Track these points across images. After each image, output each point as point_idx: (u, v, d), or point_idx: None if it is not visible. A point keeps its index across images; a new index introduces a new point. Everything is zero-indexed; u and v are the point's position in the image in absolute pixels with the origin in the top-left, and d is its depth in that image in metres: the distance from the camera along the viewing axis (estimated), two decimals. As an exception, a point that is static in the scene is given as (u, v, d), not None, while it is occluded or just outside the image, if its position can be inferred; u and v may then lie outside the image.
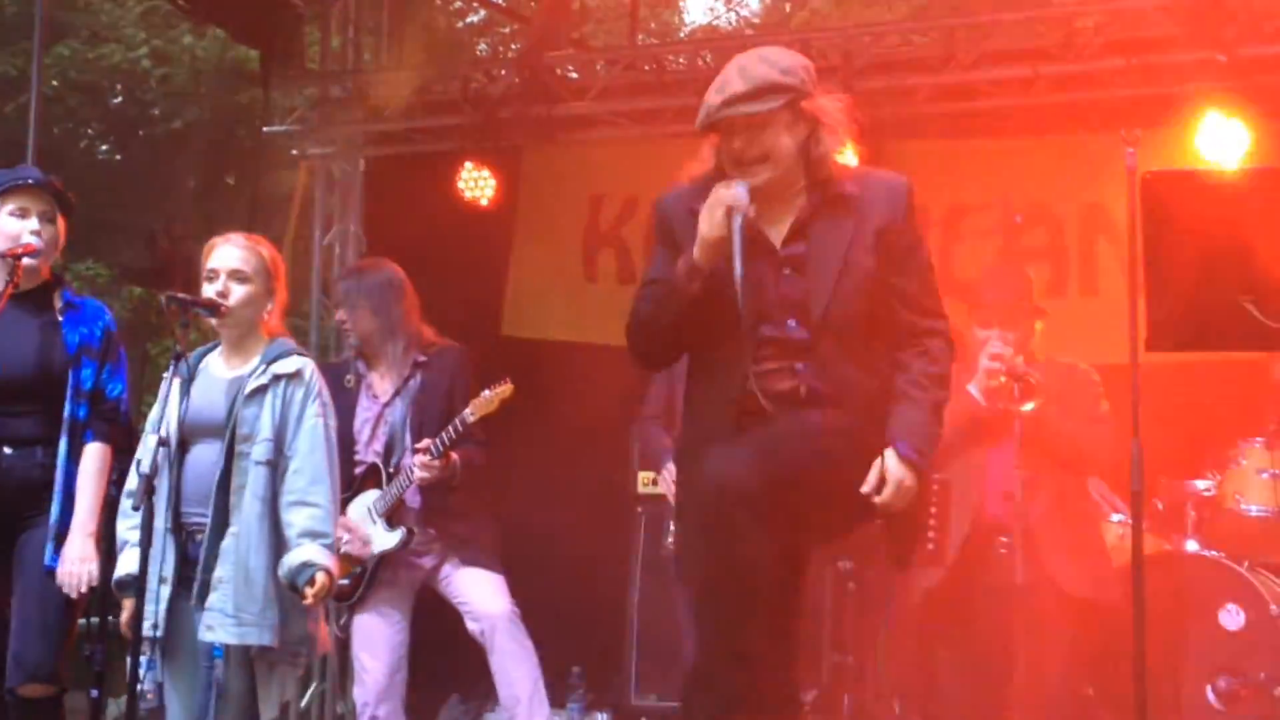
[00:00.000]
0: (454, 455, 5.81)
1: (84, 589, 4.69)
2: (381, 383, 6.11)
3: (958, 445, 5.44)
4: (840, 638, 6.13)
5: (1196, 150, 6.70)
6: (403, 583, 6.06)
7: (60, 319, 4.88)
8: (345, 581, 5.83)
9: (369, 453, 6.06)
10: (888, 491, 3.66)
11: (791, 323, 3.75)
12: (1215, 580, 5.80)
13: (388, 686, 5.99)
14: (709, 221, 3.68)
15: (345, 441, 5.61)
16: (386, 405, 6.07)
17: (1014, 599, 5.29)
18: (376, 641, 6.01)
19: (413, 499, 5.95)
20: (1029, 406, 5.36)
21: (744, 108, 3.73)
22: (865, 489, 3.66)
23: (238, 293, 4.61)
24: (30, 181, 4.94)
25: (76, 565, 4.68)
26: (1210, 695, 5.68)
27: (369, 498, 5.99)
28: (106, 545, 4.67)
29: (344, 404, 5.76)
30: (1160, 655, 5.33)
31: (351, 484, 5.91)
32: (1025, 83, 7.46)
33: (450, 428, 5.79)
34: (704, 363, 3.90)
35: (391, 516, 5.93)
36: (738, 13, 21.95)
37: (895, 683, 6.02)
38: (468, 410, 5.76)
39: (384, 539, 5.94)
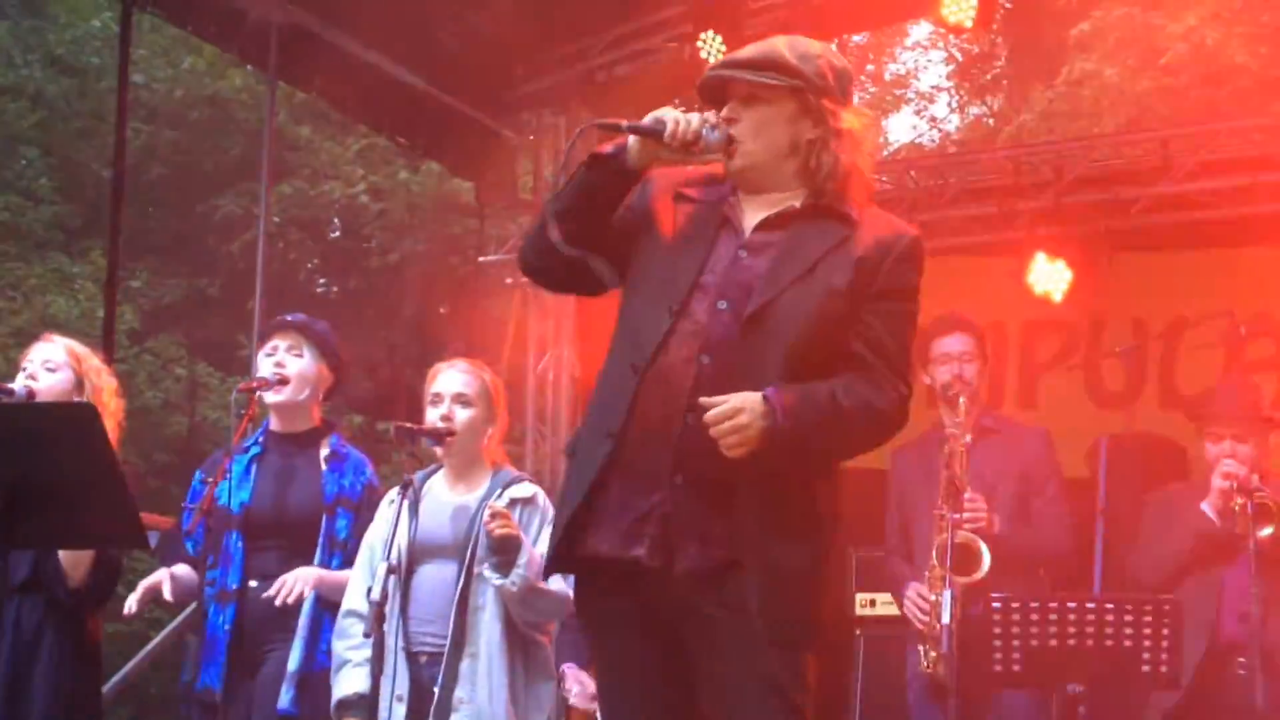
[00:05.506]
0: None
1: (292, 599, 4.65)
2: None
3: (1192, 564, 5.29)
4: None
5: None
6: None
7: (324, 467, 4.91)
8: None
9: None
10: (721, 409, 3.02)
11: (723, 304, 3.17)
12: None
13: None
14: (683, 120, 3.17)
15: None
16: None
17: (1254, 722, 5.08)
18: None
19: None
20: (1267, 532, 5.16)
21: (740, 73, 3.25)
22: (704, 402, 3.05)
23: (462, 416, 4.70)
24: (282, 320, 5.05)
25: (297, 581, 4.67)
26: None
27: None
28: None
29: None
30: None
31: None
32: (1245, 191, 7.31)
33: None
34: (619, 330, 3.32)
35: None
36: (941, 129, 21.95)
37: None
38: None
39: None
